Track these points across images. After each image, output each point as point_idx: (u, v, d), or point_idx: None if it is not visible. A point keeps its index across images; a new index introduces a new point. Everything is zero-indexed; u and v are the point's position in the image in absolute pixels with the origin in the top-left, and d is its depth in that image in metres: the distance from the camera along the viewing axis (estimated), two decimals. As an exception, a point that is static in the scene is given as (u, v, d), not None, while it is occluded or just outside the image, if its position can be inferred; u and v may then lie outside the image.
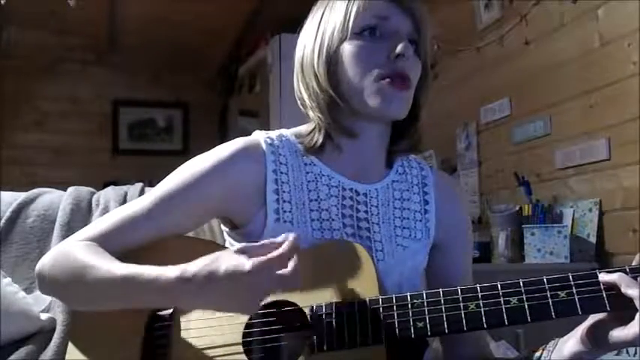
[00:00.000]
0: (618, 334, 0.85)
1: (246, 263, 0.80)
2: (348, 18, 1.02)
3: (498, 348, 1.95)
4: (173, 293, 0.85)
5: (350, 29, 1.01)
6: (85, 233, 0.99)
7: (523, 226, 2.53)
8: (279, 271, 0.82)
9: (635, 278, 0.83)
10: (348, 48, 1.01)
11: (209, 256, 0.84)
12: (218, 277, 0.81)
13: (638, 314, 0.81)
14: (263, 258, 0.81)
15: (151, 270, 0.86)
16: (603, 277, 0.84)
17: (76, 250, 0.94)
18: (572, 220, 2.43)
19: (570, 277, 0.85)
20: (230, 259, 0.82)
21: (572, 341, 0.92)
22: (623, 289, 0.82)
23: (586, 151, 2.41)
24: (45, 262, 0.98)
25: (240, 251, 0.84)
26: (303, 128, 1.10)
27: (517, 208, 2.62)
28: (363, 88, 1.00)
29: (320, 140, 1.05)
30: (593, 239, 2.35)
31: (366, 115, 1.03)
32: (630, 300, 0.81)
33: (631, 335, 0.83)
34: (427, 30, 1.05)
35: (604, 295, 0.83)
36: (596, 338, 0.88)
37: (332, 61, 1.02)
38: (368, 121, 1.04)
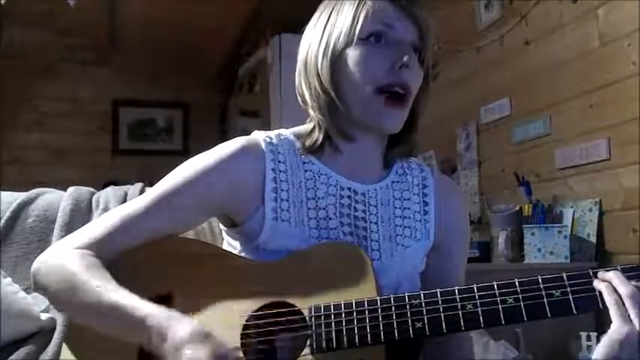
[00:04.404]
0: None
1: None
2: (355, 22, 1.01)
3: (498, 348, 1.95)
4: (149, 336, 0.85)
5: (357, 34, 1.01)
6: (82, 237, 0.98)
7: (523, 226, 2.53)
8: None
9: (628, 278, 0.85)
10: (352, 53, 1.01)
11: (198, 331, 0.83)
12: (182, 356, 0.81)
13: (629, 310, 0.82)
14: None
15: (142, 307, 0.87)
16: (602, 274, 0.87)
17: (70, 263, 0.93)
18: (572, 220, 2.43)
19: (564, 276, 0.86)
20: (207, 353, 0.80)
21: None
22: (616, 287, 0.84)
23: (586, 151, 2.41)
24: (40, 267, 0.97)
25: (221, 355, 0.81)
26: (303, 128, 1.10)
27: (517, 208, 2.62)
28: (362, 97, 1.01)
29: (320, 139, 1.06)
30: (593, 239, 2.35)
31: (361, 123, 1.03)
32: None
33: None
34: (431, 39, 1.05)
35: (597, 295, 0.85)
36: None
37: (336, 64, 1.02)
38: (364, 128, 1.05)
